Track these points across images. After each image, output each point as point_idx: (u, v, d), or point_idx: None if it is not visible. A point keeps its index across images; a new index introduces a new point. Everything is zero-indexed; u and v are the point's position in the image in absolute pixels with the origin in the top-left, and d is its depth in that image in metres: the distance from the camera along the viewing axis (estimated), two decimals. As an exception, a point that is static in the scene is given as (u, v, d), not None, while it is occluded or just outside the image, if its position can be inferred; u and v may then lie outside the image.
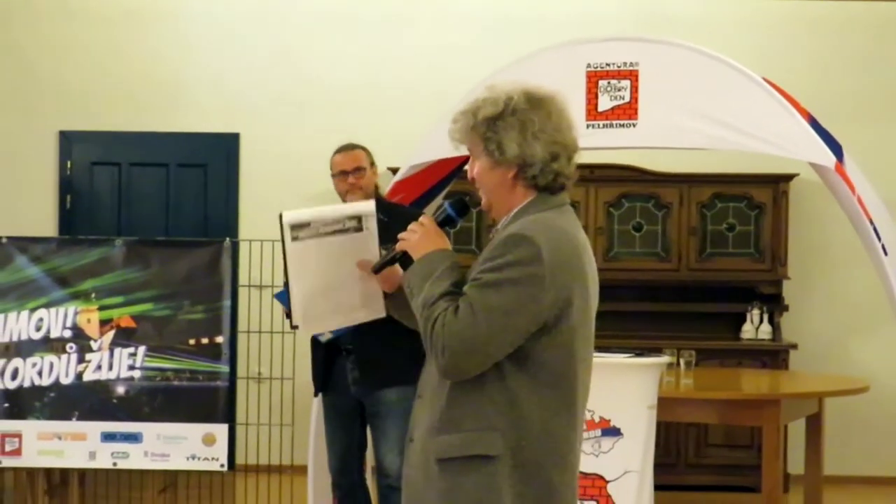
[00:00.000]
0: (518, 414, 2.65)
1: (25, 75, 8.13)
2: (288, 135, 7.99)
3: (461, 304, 2.62)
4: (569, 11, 7.86)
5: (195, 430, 5.64)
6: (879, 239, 4.86)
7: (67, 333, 5.68)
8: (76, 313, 5.69)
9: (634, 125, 5.00)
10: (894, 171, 7.55)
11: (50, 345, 5.68)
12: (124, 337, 5.68)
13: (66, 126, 8.10)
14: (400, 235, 2.83)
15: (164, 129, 8.08)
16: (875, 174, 5.81)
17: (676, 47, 5.04)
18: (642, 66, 4.99)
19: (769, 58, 7.45)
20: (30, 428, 5.65)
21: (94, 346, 5.67)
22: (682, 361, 5.99)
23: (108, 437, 5.65)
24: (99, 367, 5.66)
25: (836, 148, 4.90)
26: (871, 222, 4.85)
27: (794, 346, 7.57)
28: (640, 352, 4.99)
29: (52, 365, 5.67)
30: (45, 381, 5.66)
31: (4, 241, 5.78)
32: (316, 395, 5.11)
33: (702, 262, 7.68)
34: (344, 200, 4.79)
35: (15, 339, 5.69)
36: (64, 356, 5.67)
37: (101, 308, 5.69)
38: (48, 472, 5.84)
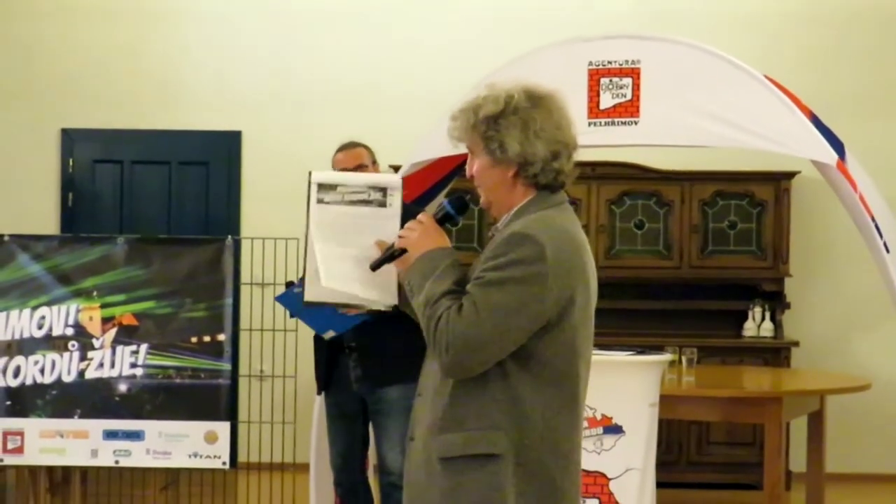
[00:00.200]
0: (521, 412, 2.65)
1: (28, 73, 8.13)
2: (290, 132, 7.99)
3: (465, 303, 2.62)
4: (569, 11, 7.86)
5: (197, 428, 5.63)
6: (881, 236, 4.86)
7: (69, 331, 5.67)
8: (78, 311, 5.68)
9: (636, 123, 4.99)
10: (896, 169, 7.56)
11: (52, 343, 5.67)
12: (126, 335, 5.66)
13: (69, 124, 8.11)
14: (399, 233, 2.82)
15: (165, 127, 8.08)
16: (877, 171, 5.81)
17: (678, 45, 5.04)
18: (644, 63, 4.98)
19: (771, 55, 7.45)
20: (32, 426, 5.64)
21: (96, 343, 5.66)
22: (683, 359, 5.98)
23: (110, 434, 5.64)
24: (101, 365, 5.65)
25: (837, 145, 4.90)
26: (873, 220, 4.85)
27: (796, 344, 7.56)
28: (642, 349, 4.98)
29: (53, 363, 5.66)
30: (47, 379, 5.66)
31: (6, 238, 5.77)
32: (319, 393, 5.10)
33: (703, 260, 7.67)
34: (346, 199, 4.78)
35: (17, 336, 5.68)
36: (66, 354, 5.66)
37: (103, 306, 5.68)
38: (50, 469, 5.83)
